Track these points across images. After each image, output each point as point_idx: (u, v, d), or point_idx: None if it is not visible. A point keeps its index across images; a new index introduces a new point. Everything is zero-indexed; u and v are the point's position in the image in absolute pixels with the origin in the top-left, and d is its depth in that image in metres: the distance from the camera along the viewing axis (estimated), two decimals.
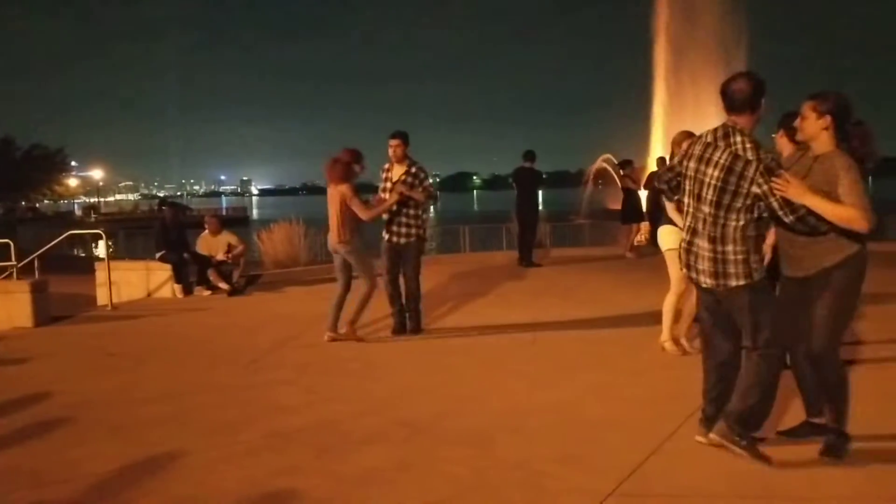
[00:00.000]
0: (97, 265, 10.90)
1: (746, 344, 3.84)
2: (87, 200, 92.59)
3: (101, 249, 19.64)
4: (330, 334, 7.05)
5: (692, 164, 3.87)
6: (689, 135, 6.14)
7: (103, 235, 12.21)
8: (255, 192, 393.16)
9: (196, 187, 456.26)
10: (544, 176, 13.57)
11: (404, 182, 7.14)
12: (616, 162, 25.08)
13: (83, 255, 25.89)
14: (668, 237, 6.11)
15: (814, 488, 3.53)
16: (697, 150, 3.88)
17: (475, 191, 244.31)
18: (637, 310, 7.81)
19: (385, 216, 7.23)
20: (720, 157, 3.75)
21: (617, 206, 16.93)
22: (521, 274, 11.85)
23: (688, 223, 3.95)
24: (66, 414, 5.06)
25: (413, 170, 7.24)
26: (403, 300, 7.35)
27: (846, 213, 3.60)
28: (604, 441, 4.23)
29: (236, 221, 41.34)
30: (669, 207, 5.89)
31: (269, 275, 12.17)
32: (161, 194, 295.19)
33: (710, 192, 3.76)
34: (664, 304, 6.23)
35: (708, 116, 28.69)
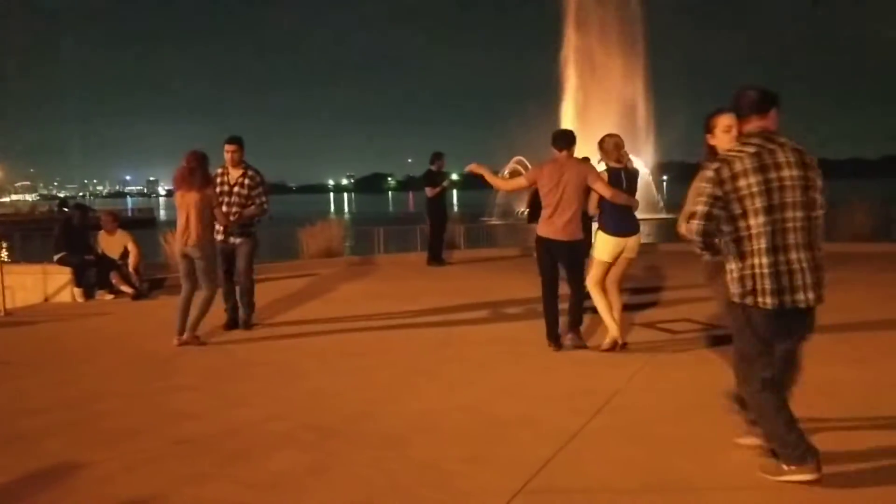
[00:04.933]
0: None
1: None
2: None
3: None
4: (179, 339, 6.98)
5: (758, 178, 3.40)
6: (618, 138, 6.30)
7: None
8: (162, 192, 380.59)
9: (100, 188, 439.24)
10: (452, 176, 13.80)
11: (242, 185, 7.44)
12: (528, 164, 25.50)
13: None
14: (605, 248, 6.21)
15: (730, 478, 3.66)
16: (749, 164, 3.42)
17: (390, 192, 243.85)
18: None
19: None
20: (788, 157, 3.45)
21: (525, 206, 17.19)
22: (434, 274, 11.89)
23: (763, 245, 3.41)
24: None
25: (250, 172, 7.52)
26: (238, 296, 7.67)
27: None
28: (514, 439, 4.28)
29: (143, 223, 39.92)
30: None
31: (175, 278, 11.76)
32: (62, 195, 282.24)
33: (797, 193, 3.43)
34: (598, 307, 6.34)
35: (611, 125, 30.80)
